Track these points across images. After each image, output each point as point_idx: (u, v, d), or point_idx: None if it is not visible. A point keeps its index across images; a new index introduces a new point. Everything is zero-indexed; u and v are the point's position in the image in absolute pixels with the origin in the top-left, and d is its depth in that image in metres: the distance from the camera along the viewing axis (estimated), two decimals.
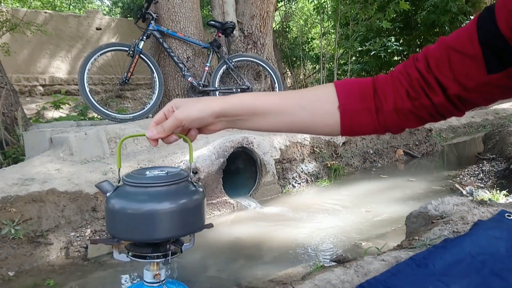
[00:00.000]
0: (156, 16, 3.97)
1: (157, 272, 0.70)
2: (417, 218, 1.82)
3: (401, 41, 9.01)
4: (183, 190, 0.68)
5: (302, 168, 3.63)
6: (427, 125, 5.01)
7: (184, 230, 0.67)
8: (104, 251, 2.22)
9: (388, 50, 8.27)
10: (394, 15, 6.87)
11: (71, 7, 14.73)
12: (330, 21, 8.23)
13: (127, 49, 3.71)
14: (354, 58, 9.06)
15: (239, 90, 4.08)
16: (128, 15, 10.01)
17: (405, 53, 9.19)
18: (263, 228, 2.59)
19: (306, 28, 10.72)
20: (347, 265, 1.31)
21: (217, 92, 4.02)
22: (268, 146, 3.36)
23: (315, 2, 7.42)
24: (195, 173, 2.79)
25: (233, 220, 2.81)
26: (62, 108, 5.63)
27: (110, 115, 3.60)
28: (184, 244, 0.71)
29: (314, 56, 9.67)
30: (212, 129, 0.67)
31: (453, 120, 6.33)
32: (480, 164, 3.89)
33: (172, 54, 3.92)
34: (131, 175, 0.68)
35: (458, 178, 3.55)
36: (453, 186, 3.25)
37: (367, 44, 7.68)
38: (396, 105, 0.61)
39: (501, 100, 0.58)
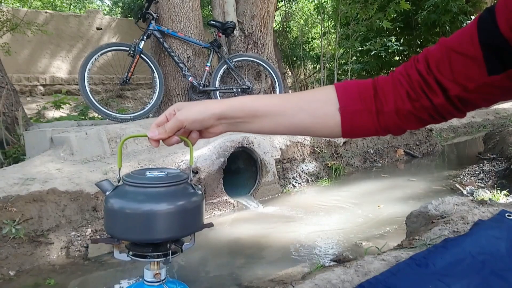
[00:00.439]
0: (157, 16, 3.97)
1: (157, 272, 0.70)
2: (418, 218, 1.82)
3: (401, 41, 9.01)
4: (182, 191, 0.68)
5: (302, 168, 3.63)
6: (428, 125, 5.00)
7: (182, 231, 0.67)
8: (105, 250, 2.22)
9: (389, 50, 8.27)
10: (395, 15, 6.87)
11: (71, 7, 14.74)
12: (331, 21, 8.23)
13: (128, 49, 3.71)
14: (354, 58, 9.06)
15: (239, 90, 4.08)
16: (129, 15, 10.01)
17: (405, 53, 9.19)
18: (263, 228, 2.59)
19: (307, 28, 10.72)
20: (347, 264, 1.31)
21: (217, 92, 4.02)
22: (269, 146, 3.36)
23: (316, 2, 7.43)
24: (196, 173, 2.79)
25: (234, 220, 2.81)
26: (62, 108, 5.63)
27: (110, 115, 3.60)
28: (185, 244, 0.71)
29: (314, 56, 9.67)
30: (213, 131, 0.67)
31: (454, 120, 6.33)
32: (481, 164, 3.89)
33: (172, 54, 3.92)
34: (131, 175, 0.69)
35: (459, 178, 3.55)
36: (453, 186, 3.25)
37: (367, 44, 7.69)
38: (397, 106, 0.61)
39: (502, 101, 0.58)
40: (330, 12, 7.15)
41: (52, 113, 5.75)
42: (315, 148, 3.81)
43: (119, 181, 0.70)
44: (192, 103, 0.66)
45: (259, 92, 4.35)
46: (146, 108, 3.76)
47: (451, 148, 5.52)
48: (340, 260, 1.65)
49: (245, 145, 3.17)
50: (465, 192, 2.77)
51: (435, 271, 1.03)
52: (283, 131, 0.68)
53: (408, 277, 1.03)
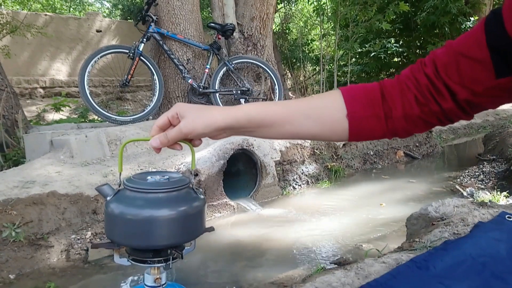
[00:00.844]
0: (156, 18, 3.98)
1: (157, 276, 0.69)
2: (418, 220, 1.82)
3: (401, 42, 9.01)
4: (183, 197, 0.67)
5: (302, 170, 3.63)
6: None
7: (183, 237, 0.67)
8: (105, 253, 2.22)
9: (388, 52, 8.28)
10: (394, 17, 6.87)
11: (71, 9, 14.76)
12: (330, 23, 8.24)
13: (127, 51, 3.71)
14: (354, 59, 9.07)
15: (239, 91, 4.09)
16: (128, 17, 10.02)
17: (404, 54, 9.20)
18: (263, 230, 2.59)
19: (306, 30, 10.72)
20: (348, 267, 1.31)
21: (217, 94, 4.02)
22: (269, 148, 3.36)
23: (315, 3, 7.44)
24: (196, 175, 2.79)
25: (234, 222, 2.81)
26: (62, 110, 5.63)
27: (110, 117, 3.60)
28: (185, 248, 0.71)
29: (314, 58, 9.67)
30: (217, 137, 0.67)
31: None
32: (481, 165, 3.89)
33: (172, 56, 3.93)
34: (132, 179, 0.68)
35: (459, 179, 3.55)
36: (453, 187, 3.25)
37: (367, 45, 7.68)
38: (405, 111, 0.61)
39: (509, 103, 0.58)
40: (330, 14, 7.15)
41: (52, 116, 5.75)
42: (315, 150, 3.81)
43: (119, 185, 0.70)
44: (195, 110, 0.64)
45: (259, 94, 4.35)
46: (146, 111, 3.76)
47: (451, 149, 5.52)
48: (340, 263, 1.65)
49: (245, 147, 3.17)
50: (465, 193, 2.77)
51: (436, 274, 1.03)
52: (289, 137, 0.68)
53: (408, 280, 1.03)
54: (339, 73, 8.37)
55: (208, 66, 4.07)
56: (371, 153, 4.37)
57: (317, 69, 9.90)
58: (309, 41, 10.26)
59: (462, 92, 0.57)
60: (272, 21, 4.83)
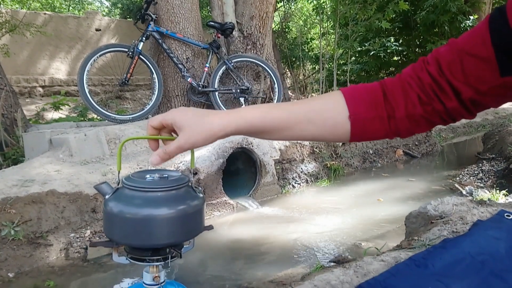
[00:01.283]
0: (155, 17, 3.97)
1: (156, 275, 0.69)
2: (417, 218, 1.82)
3: (400, 41, 9.00)
4: (182, 195, 0.67)
5: (301, 169, 3.63)
6: None
7: (182, 236, 0.66)
8: (104, 252, 2.22)
9: (388, 50, 8.28)
10: (394, 15, 6.87)
11: (70, 8, 14.73)
12: (330, 22, 8.23)
13: (127, 50, 3.71)
14: (353, 58, 9.07)
15: (238, 90, 4.08)
16: (128, 16, 10.01)
17: (404, 53, 9.19)
18: (262, 229, 2.59)
19: (306, 29, 10.72)
20: (347, 265, 1.31)
21: (216, 93, 4.02)
22: (268, 147, 3.36)
23: (314, 2, 7.43)
24: (195, 174, 2.79)
25: (233, 221, 2.81)
26: (61, 109, 5.63)
27: (109, 116, 3.60)
28: (184, 247, 0.71)
29: (313, 57, 9.67)
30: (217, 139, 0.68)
31: None
32: (480, 164, 3.89)
33: (171, 55, 3.92)
34: (130, 178, 0.68)
35: (458, 178, 3.55)
36: (452, 186, 3.25)
37: (366, 44, 7.68)
38: (408, 111, 0.60)
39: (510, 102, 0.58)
40: (329, 13, 7.14)
41: (51, 115, 5.74)
42: (314, 149, 3.81)
43: (118, 184, 0.70)
44: (192, 119, 0.62)
45: (258, 92, 4.35)
46: (145, 109, 3.76)
47: (450, 148, 5.52)
48: (339, 261, 1.65)
49: (244, 146, 3.17)
50: (464, 192, 2.78)
51: (434, 272, 1.03)
52: (289, 140, 0.68)
53: (407, 278, 1.03)
54: (338, 72, 8.37)
55: (207, 65, 4.06)
56: (371, 151, 4.37)
57: (316, 68, 9.90)
58: (309, 40, 10.26)
59: (466, 91, 0.56)
60: (272, 20, 4.82)
